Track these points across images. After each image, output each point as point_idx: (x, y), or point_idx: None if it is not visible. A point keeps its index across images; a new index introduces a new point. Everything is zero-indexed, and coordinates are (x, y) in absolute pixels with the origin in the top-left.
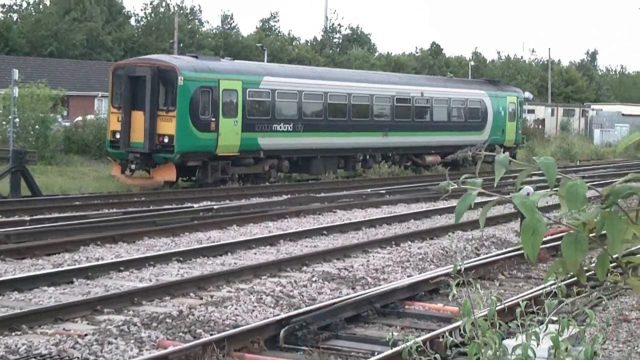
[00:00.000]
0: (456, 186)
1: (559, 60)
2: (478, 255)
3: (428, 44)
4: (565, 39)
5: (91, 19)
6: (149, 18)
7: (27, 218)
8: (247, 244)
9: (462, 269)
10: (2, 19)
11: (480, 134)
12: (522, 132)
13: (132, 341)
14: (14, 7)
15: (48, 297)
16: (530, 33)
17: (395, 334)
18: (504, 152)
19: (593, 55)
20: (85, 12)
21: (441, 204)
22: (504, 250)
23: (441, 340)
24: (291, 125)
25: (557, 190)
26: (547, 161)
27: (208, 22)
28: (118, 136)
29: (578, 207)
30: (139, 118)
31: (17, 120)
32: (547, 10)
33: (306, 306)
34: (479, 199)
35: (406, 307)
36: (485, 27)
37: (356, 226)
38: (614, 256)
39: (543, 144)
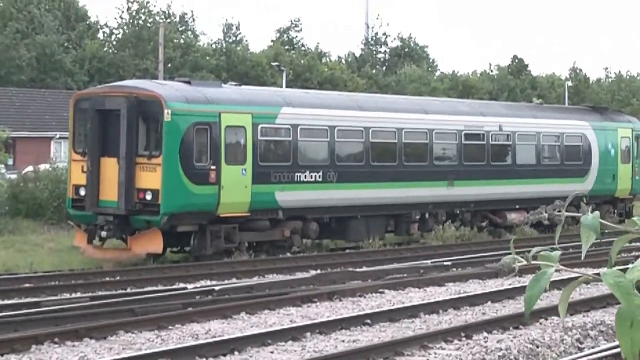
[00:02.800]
0: (525, 262)
1: None
2: (580, 350)
3: (507, 58)
4: None
5: (42, 30)
6: (124, 29)
7: None
8: (261, 339)
9: None
10: None
11: (582, 181)
12: None
13: None
14: None
15: None
16: None
17: None
18: (617, 206)
19: None
20: (34, 21)
21: (529, 279)
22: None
23: None
24: (320, 173)
25: None
26: None
27: (205, 34)
28: (83, 193)
29: None
30: (111, 167)
31: None
32: None
33: None
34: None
35: None
36: (586, 35)
37: (411, 312)
38: None
39: None
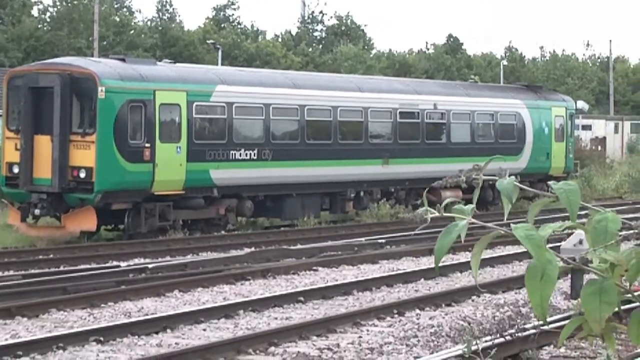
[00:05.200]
0: (437, 214)
1: (625, 57)
2: (512, 327)
3: (443, 37)
4: (632, 29)
5: None
6: (58, 7)
7: None
8: (194, 317)
9: (479, 349)
10: None
11: (516, 159)
12: (575, 157)
13: None
14: None
15: None
16: (584, 21)
17: None
18: (549, 182)
19: None
20: None
21: (463, 257)
22: (549, 319)
23: None
24: (255, 151)
25: (578, 225)
26: (568, 187)
27: (140, 12)
28: (16, 170)
29: (606, 243)
30: (44, 145)
31: None
32: None
33: None
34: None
35: None
36: (522, 14)
37: (345, 289)
38: None
39: (604, 171)
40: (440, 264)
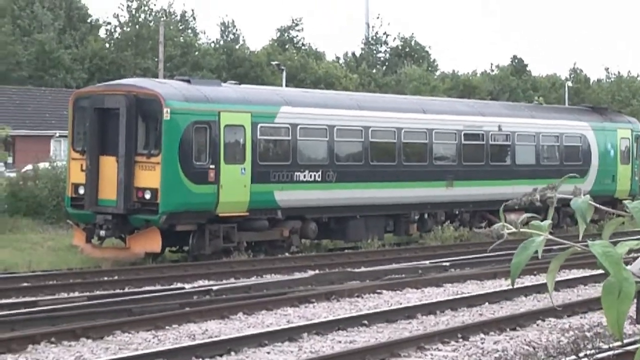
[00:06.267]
0: (514, 230)
1: None
2: (577, 352)
3: (507, 59)
4: None
5: (42, 28)
6: (124, 28)
7: None
8: (258, 340)
9: None
10: None
11: (581, 181)
12: None
13: None
14: None
15: None
16: None
17: None
18: (616, 207)
19: None
20: (34, 20)
21: (528, 281)
22: (615, 344)
23: None
24: (319, 173)
25: None
26: None
27: (204, 33)
28: (82, 191)
29: None
30: (110, 166)
31: None
32: None
33: None
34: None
35: None
36: (586, 35)
37: (409, 313)
38: None
39: None
40: (505, 288)
